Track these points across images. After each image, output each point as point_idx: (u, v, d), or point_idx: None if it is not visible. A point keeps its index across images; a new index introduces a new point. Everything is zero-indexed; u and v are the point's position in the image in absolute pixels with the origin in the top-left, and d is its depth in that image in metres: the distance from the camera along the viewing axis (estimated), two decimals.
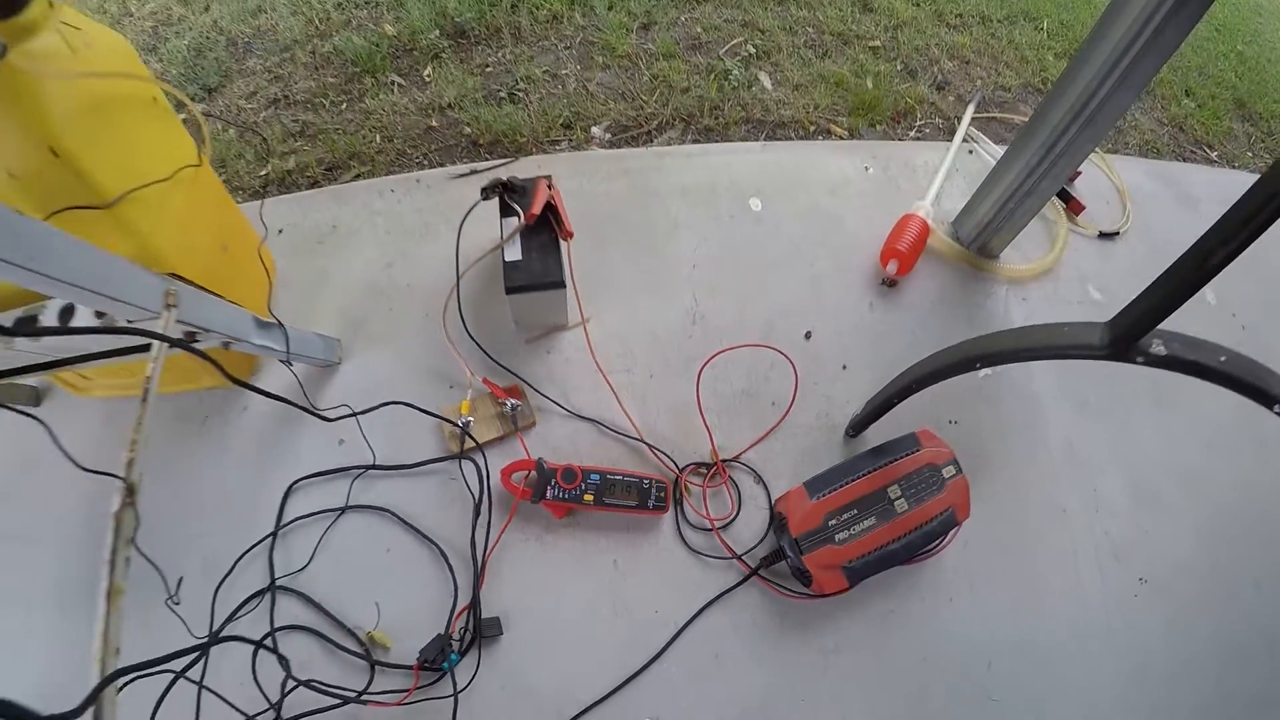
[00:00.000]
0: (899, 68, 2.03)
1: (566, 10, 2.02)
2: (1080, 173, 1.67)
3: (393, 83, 1.87)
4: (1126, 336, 0.80)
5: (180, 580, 0.99)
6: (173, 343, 0.80)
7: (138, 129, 0.93)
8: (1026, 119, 1.34)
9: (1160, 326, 0.79)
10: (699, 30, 1.99)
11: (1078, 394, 1.35)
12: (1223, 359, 0.78)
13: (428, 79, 1.88)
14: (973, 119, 1.78)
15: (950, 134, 1.81)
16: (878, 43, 2.08)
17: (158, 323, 0.80)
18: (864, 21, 2.14)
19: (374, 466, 1.16)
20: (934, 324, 1.37)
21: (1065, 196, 1.63)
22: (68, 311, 0.87)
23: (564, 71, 1.85)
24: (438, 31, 1.97)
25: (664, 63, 1.85)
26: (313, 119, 1.80)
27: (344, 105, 1.84)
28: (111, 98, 0.87)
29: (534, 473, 1.10)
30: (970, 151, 1.69)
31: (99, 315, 0.85)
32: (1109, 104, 1.12)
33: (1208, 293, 1.47)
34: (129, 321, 0.81)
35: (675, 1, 2.08)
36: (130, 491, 0.70)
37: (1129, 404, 1.37)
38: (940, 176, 1.54)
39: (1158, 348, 0.80)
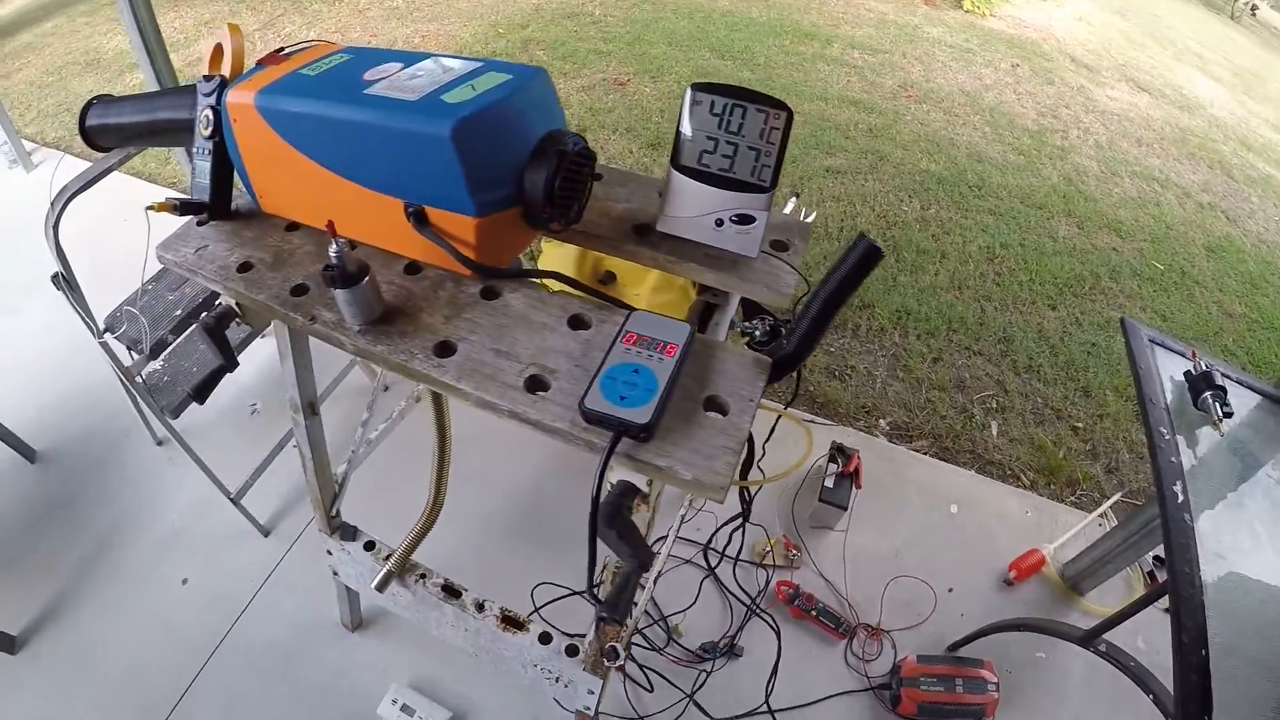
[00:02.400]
0: (1087, 448, 3.00)
1: (891, 328, 3.22)
2: None
3: None
4: (1088, 637, 1.82)
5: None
6: None
7: None
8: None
9: (1107, 636, 1.79)
10: (966, 376, 3.11)
11: (1096, 692, 2.23)
12: (1131, 664, 1.77)
13: None
14: (1120, 499, 2.76)
15: (1097, 504, 2.79)
16: (1080, 424, 3.07)
17: None
18: (1079, 404, 3.14)
19: (720, 553, 2.33)
20: (1024, 611, 2.38)
21: (1152, 576, 2.57)
22: None
23: (875, 373, 3.02)
24: None
25: (937, 392, 2.98)
26: None
27: None
28: None
29: (792, 590, 2.22)
30: (1100, 525, 2.68)
31: None
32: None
33: (1138, 640, 2.26)
34: None
35: (962, 350, 3.21)
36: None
37: (1129, 707, 2.20)
38: (1068, 535, 2.54)
39: (1100, 647, 1.79)
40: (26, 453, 2.48)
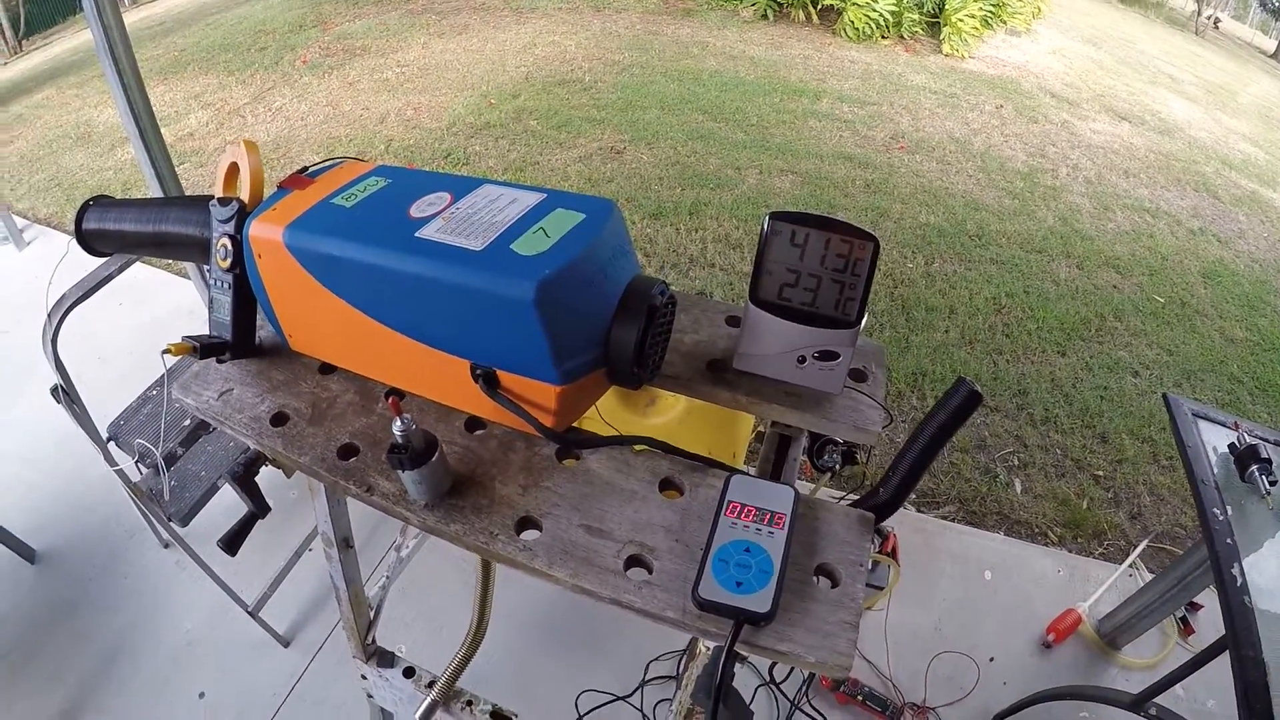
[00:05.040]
0: (1109, 495, 3.05)
1: (909, 392, 3.29)
2: (1203, 606, 2.65)
3: None
4: (1137, 702, 1.85)
5: None
6: None
7: None
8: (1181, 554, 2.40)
9: (1157, 700, 1.82)
10: (986, 434, 3.17)
11: None
12: None
13: None
14: (1146, 545, 2.82)
15: (1125, 553, 2.84)
16: (1101, 473, 3.14)
17: None
18: (1097, 452, 3.20)
19: None
20: (1065, 674, 2.43)
21: (1184, 621, 2.62)
22: None
23: (896, 441, 3.10)
24: None
25: (959, 454, 3.05)
26: None
27: None
28: None
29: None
30: (1130, 575, 2.73)
31: None
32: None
33: (1209, 702, 2.32)
34: None
35: (979, 407, 3.29)
36: None
37: None
38: (1100, 590, 2.60)
39: (1150, 710, 1.82)
40: (25, 552, 2.37)
